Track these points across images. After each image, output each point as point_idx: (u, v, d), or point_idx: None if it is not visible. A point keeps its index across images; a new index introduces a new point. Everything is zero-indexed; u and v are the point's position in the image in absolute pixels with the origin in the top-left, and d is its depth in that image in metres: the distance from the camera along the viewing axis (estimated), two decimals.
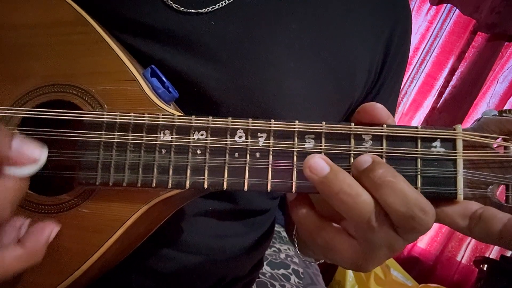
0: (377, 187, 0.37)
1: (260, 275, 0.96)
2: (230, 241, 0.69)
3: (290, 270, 1.06)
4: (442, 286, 2.04)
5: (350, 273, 1.94)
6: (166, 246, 0.62)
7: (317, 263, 0.70)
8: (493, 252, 2.22)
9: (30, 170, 0.36)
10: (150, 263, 0.61)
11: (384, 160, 0.40)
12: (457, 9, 2.14)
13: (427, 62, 2.23)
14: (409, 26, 0.73)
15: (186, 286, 0.66)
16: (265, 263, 1.03)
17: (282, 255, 1.13)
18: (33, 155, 0.37)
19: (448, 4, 2.14)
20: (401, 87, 2.15)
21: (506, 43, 2.12)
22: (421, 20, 2.20)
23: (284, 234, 1.28)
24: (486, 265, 1.95)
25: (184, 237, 0.62)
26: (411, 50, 2.22)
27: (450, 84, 2.23)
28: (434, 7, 2.17)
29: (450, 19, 2.16)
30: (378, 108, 0.41)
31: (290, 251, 1.18)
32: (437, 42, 2.19)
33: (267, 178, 0.41)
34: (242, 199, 0.66)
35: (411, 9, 2.10)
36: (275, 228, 1.22)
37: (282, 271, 1.04)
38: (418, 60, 2.24)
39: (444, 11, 2.17)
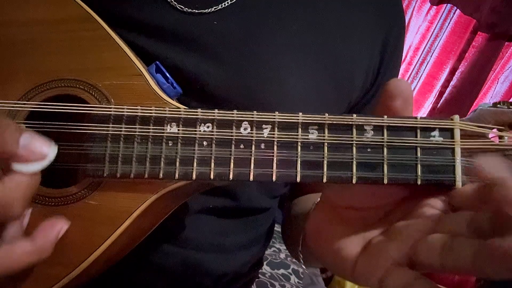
0: None
1: (260, 275, 0.96)
2: (230, 238, 0.69)
3: (290, 270, 1.06)
4: (442, 286, 2.03)
5: None
6: (168, 242, 0.62)
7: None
8: None
9: (38, 166, 0.36)
10: (152, 258, 0.62)
11: (385, 150, 0.41)
12: (457, 9, 2.14)
13: (427, 62, 2.23)
14: (403, 28, 0.74)
15: (187, 282, 0.67)
16: (265, 263, 1.02)
17: (282, 255, 1.13)
18: (41, 151, 0.36)
19: (449, 4, 2.15)
20: None
21: (506, 43, 2.12)
22: (421, 20, 2.21)
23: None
24: None
25: (185, 233, 0.63)
26: (412, 50, 2.23)
27: (450, 84, 2.23)
28: (435, 7, 2.18)
29: (451, 19, 2.17)
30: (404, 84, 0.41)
31: None
32: (437, 42, 2.20)
33: (272, 169, 0.42)
34: (243, 197, 0.66)
35: (412, 9, 2.12)
36: (275, 228, 1.22)
37: (282, 271, 1.04)
38: (418, 60, 2.24)
39: (444, 11, 2.17)
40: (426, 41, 2.22)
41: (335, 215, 0.47)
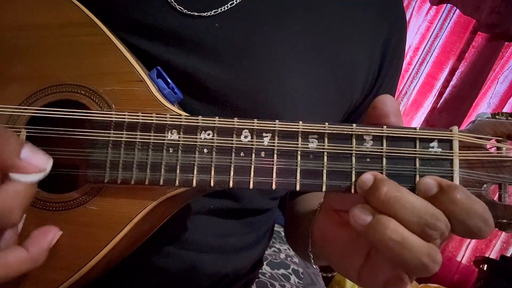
0: (385, 205, 0.37)
1: (260, 275, 0.96)
2: (231, 239, 0.70)
3: (290, 270, 1.06)
4: (442, 286, 2.04)
5: None
6: (168, 243, 0.63)
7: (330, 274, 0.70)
8: (493, 252, 2.23)
9: (36, 178, 0.37)
10: (152, 259, 0.62)
11: (384, 160, 0.41)
12: (457, 9, 2.14)
13: (427, 62, 2.23)
14: (405, 29, 0.74)
15: (187, 283, 0.67)
16: (265, 263, 1.03)
17: (282, 255, 1.13)
18: (40, 164, 0.37)
19: (448, 4, 2.15)
20: (402, 87, 2.16)
21: (506, 43, 2.12)
22: (421, 20, 2.20)
23: (284, 234, 1.28)
24: (486, 265, 1.95)
25: (186, 234, 0.63)
26: (412, 50, 2.23)
27: (450, 84, 2.23)
28: (434, 7, 2.18)
29: (450, 19, 2.17)
30: (389, 100, 0.42)
31: (290, 251, 1.18)
32: (437, 42, 2.19)
33: (272, 177, 0.42)
34: (243, 198, 0.67)
35: (412, 9, 2.12)
36: (275, 228, 1.21)
37: (282, 271, 1.04)
38: (418, 60, 2.24)
39: (444, 11, 2.17)
40: (426, 41, 2.22)
41: (339, 219, 0.48)
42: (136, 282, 0.63)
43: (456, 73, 2.21)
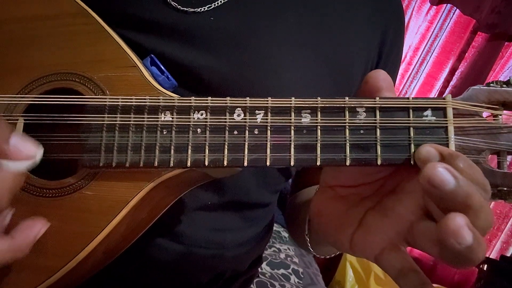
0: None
1: (260, 275, 0.96)
2: (229, 235, 0.69)
3: (290, 270, 1.05)
4: (442, 286, 2.03)
5: (350, 273, 1.93)
6: (167, 238, 0.63)
7: (328, 256, 0.70)
8: (493, 252, 2.21)
9: (24, 165, 0.38)
10: (150, 254, 0.62)
11: (378, 131, 0.41)
12: (457, 9, 2.14)
13: (427, 62, 2.22)
14: (402, 24, 0.74)
15: (186, 278, 0.67)
16: (265, 263, 1.02)
17: (282, 255, 1.12)
18: (29, 152, 0.38)
19: (448, 4, 2.15)
20: (402, 87, 2.15)
21: (506, 43, 2.12)
22: (421, 20, 2.20)
23: (284, 234, 1.27)
24: (486, 265, 1.94)
25: (184, 229, 0.63)
26: (411, 50, 2.23)
27: (450, 84, 2.22)
28: (434, 7, 2.18)
29: (450, 19, 2.17)
30: (382, 75, 0.42)
31: (290, 251, 1.17)
32: (437, 42, 2.19)
33: (266, 153, 0.42)
34: (241, 192, 0.67)
35: (412, 9, 2.12)
36: (275, 228, 1.21)
37: (282, 271, 1.04)
38: (418, 60, 2.24)
39: (444, 11, 2.17)
40: (426, 41, 2.21)
41: (334, 194, 0.48)
42: (134, 277, 0.63)
43: (456, 73, 2.21)
